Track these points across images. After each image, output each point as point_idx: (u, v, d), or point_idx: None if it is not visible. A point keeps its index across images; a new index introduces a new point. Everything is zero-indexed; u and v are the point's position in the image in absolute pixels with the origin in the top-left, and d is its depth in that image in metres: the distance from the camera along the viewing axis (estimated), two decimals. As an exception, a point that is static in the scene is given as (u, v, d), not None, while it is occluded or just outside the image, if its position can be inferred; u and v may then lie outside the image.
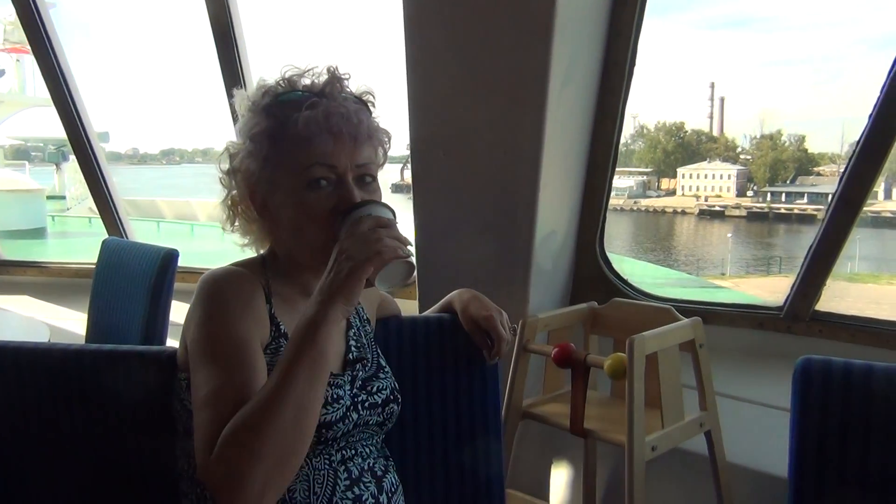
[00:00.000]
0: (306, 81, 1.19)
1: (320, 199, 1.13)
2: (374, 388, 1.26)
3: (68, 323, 3.35)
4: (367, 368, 1.28)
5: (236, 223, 1.24)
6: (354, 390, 1.23)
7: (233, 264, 1.22)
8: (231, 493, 0.94)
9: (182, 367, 1.19)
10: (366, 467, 1.22)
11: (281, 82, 1.19)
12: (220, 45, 3.01)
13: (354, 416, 1.20)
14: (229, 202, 1.23)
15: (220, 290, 1.13)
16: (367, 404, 1.23)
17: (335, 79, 1.18)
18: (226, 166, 1.22)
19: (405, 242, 1.07)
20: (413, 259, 1.09)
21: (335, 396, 1.17)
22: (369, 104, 1.21)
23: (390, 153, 1.27)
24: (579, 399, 1.81)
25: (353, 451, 1.21)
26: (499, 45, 2.09)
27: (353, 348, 1.28)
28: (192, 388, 1.08)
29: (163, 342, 2.41)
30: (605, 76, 2.32)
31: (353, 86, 1.20)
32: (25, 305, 3.64)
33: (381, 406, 1.25)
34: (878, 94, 1.99)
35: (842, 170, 2.15)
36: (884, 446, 1.37)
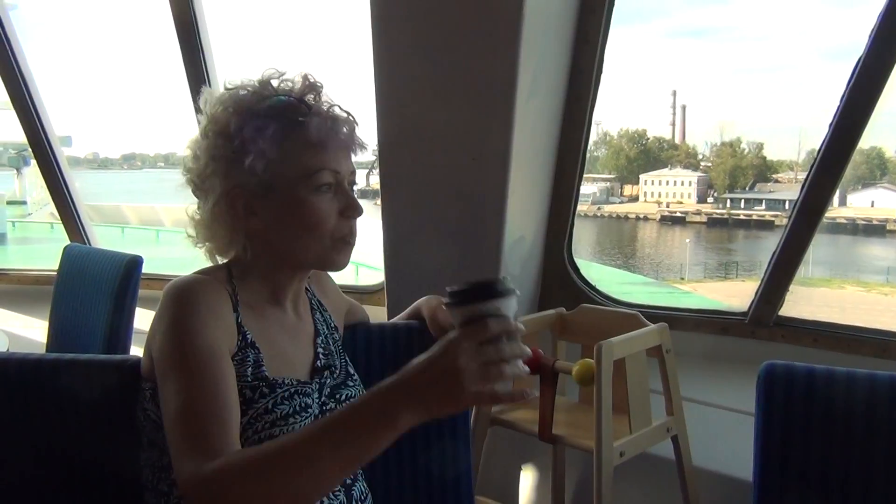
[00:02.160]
0: (292, 86, 1.18)
1: (328, 203, 1.15)
2: (343, 397, 1.25)
3: (28, 331, 3.26)
4: (335, 376, 1.27)
5: (218, 233, 1.18)
6: (323, 398, 1.21)
7: (198, 272, 1.20)
8: None
9: (146, 377, 1.17)
10: (335, 477, 1.20)
11: (267, 85, 1.18)
12: (185, 47, 2.95)
13: None
14: (211, 211, 1.16)
15: (186, 298, 1.11)
16: None
17: (315, 88, 1.18)
18: (209, 170, 1.16)
19: (523, 368, 0.96)
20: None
21: (303, 405, 1.16)
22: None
23: (356, 158, 1.27)
24: (548, 405, 1.81)
25: (321, 461, 1.20)
26: (467, 53, 2.10)
27: (320, 356, 1.27)
28: (160, 399, 1.06)
29: (127, 351, 2.36)
30: (572, 83, 2.33)
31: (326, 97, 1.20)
32: (-17, 313, 3.54)
33: None
34: (836, 103, 2.02)
35: (800, 177, 2.19)
36: (845, 449, 1.40)
